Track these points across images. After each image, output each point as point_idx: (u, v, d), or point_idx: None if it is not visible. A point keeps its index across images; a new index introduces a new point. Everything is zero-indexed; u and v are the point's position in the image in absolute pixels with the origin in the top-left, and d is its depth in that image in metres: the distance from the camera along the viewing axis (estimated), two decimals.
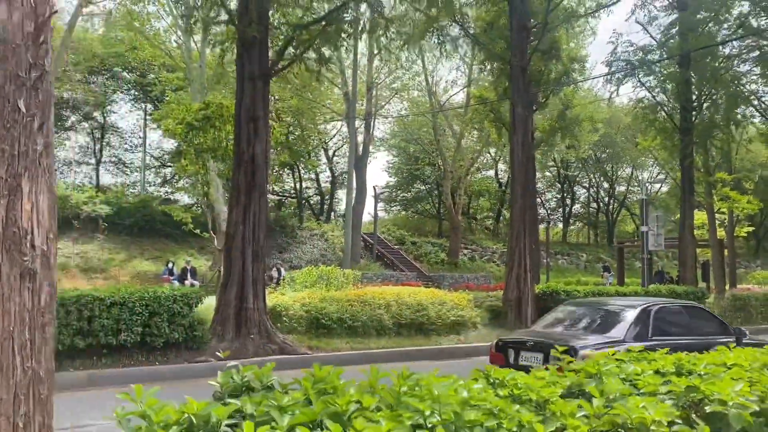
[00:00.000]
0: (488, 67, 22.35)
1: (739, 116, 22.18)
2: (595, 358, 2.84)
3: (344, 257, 29.53)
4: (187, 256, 25.74)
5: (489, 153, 43.00)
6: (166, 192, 34.23)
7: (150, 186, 37.62)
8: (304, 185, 43.59)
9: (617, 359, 3.13)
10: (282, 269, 25.28)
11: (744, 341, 8.22)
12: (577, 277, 35.05)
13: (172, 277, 22.76)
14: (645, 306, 8.34)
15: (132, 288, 11.26)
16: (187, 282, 22.57)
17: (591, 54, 33.31)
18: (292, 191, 41.78)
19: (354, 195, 31.96)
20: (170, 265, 23.35)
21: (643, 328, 7.94)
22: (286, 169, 39.86)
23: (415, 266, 32.55)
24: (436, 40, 17.74)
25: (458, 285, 28.44)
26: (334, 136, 41.67)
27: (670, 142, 21.28)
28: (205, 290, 18.55)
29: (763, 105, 24.02)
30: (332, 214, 43.04)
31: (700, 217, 30.89)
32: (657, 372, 2.99)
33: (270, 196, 42.19)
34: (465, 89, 34.27)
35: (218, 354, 2.35)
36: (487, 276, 32.20)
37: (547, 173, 51.52)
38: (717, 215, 31.10)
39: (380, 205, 48.98)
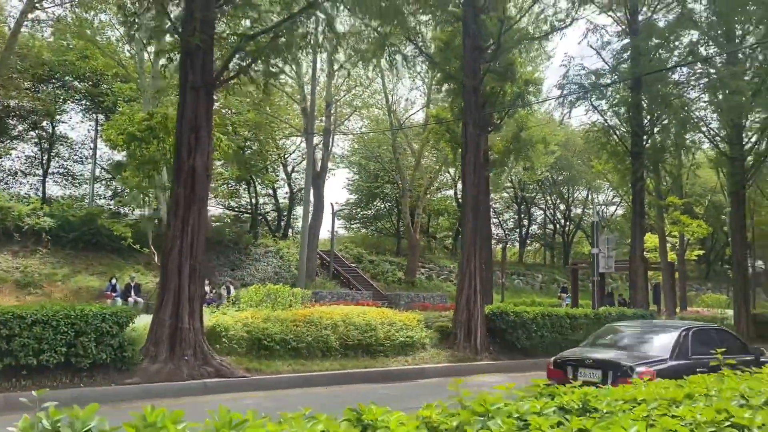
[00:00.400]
0: (444, 87, 22.38)
1: (688, 142, 22.62)
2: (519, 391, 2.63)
3: (299, 275, 29.01)
4: (133, 272, 24.89)
5: (449, 173, 43.17)
6: (116, 206, 33.18)
7: (100, 199, 36.50)
8: (261, 201, 42.95)
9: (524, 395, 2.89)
10: (232, 287, 24.65)
11: (762, 359, 8.95)
12: (532, 297, 35.14)
13: (115, 294, 21.94)
14: (684, 328, 9.36)
15: (57, 305, 10.64)
16: (130, 299, 21.79)
17: (548, 77, 33.90)
18: (249, 206, 41.07)
19: (311, 211, 31.54)
20: (113, 281, 22.52)
21: (684, 348, 8.88)
22: (242, 184, 39.21)
23: (372, 285, 32.19)
24: (392, 59, 17.59)
25: (414, 304, 28.19)
26: (293, 151, 41.27)
27: (622, 165, 21.56)
28: (147, 308, 17.87)
29: (711, 131, 24.59)
30: (290, 230, 42.45)
31: (652, 240, 31.41)
32: (561, 408, 2.73)
33: (226, 211, 41.48)
34: (424, 109, 34.35)
35: (33, 394, 1.93)
36: (443, 295, 32.03)
37: (505, 194, 51.98)
38: (668, 239, 31.67)
39: (340, 222, 48.66)
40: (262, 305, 16.41)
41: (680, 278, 31.43)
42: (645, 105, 21.18)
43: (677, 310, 27.88)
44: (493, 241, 48.95)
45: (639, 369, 8.07)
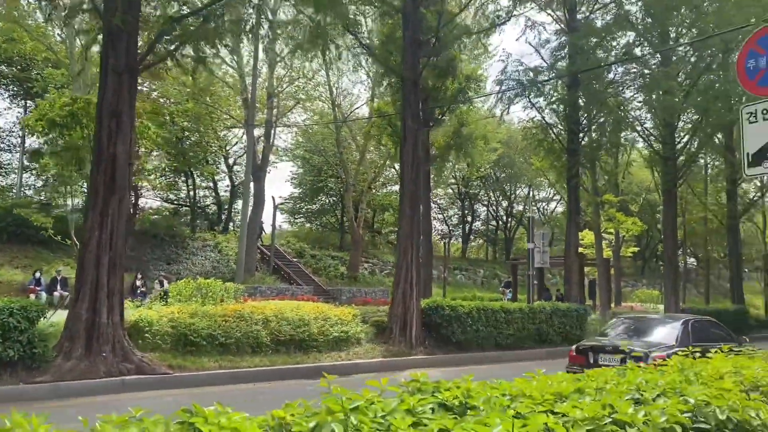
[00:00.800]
0: (386, 81, 22.22)
1: (623, 140, 23.11)
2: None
3: (237, 270, 28.37)
4: (61, 265, 23.77)
5: (394, 168, 43.07)
6: (45, 196, 31.70)
7: (29, 189, 34.81)
8: (201, 194, 41.86)
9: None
10: (165, 281, 23.87)
11: (745, 346, 9.89)
12: (473, 292, 35.45)
13: (39, 288, 20.93)
14: (684, 320, 10.88)
15: None
16: (56, 293, 20.83)
17: (491, 75, 34.14)
18: (188, 199, 39.94)
19: (251, 205, 30.89)
20: (38, 275, 21.47)
21: (686, 336, 10.22)
22: (181, 176, 38.10)
23: (313, 280, 31.79)
24: (330, 50, 17.26)
25: (356, 299, 27.99)
26: (235, 144, 40.31)
27: (559, 162, 21.86)
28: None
29: (645, 131, 25.23)
30: (230, 224, 41.53)
31: (588, 236, 32.09)
32: (441, 405, 2.55)
33: (164, 204, 40.24)
34: (369, 103, 34.11)
35: None
36: (386, 290, 31.86)
37: (450, 190, 52.33)
38: (605, 235, 32.43)
39: (283, 216, 47.94)
40: (192, 300, 15.83)
41: (615, 274, 32.20)
42: (582, 103, 21.52)
43: (612, 305, 28.56)
44: (437, 237, 49.36)
45: (653, 354, 9.27)
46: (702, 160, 32.33)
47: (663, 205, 24.39)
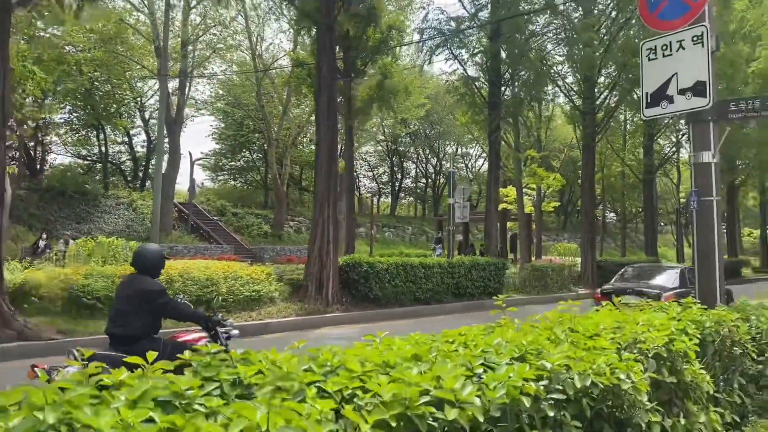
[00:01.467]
0: (305, 28, 21.20)
1: (544, 94, 23.06)
2: None
3: (152, 228, 27.01)
4: None
5: None
6: None
7: None
8: (116, 149, 39.68)
9: None
10: (71, 240, 22.44)
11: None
12: (400, 249, 35.41)
13: None
14: (681, 268, 13.02)
15: None
16: None
17: (417, 25, 33.29)
18: (100, 155, 37.76)
19: (166, 160, 29.38)
20: None
21: (684, 280, 12.17)
22: (93, 131, 35.87)
23: (235, 239, 30.85)
24: None
25: (280, 258, 27.37)
26: (152, 96, 38.17)
27: (481, 116, 21.59)
28: None
29: (567, 86, 25.30)
30: (148, 181, 39.68)
31: (512, 193, 32.41)
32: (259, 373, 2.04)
33: (77, 160, 37.93)
34: (289, 53, 32.80)
35: None
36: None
37: (380, 147, 51.81)
38: (527, 191, 32.86)
39: (206, 174, 46.27)
40: (91, 260, 14.81)
41: (537, 229, 32.77)
42: (504, 56, 21.21)
43: (533, 258, 29.08)
44: (368, 195, 49.09)
45: (665, 294, 11.18)
46: (621, 116, 32.97)
47: (582, 160, 24.68)
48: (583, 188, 24.46)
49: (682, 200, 38.12)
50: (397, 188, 53.39)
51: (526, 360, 2.32)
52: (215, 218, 32.83)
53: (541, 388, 2.06)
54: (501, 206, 32.38)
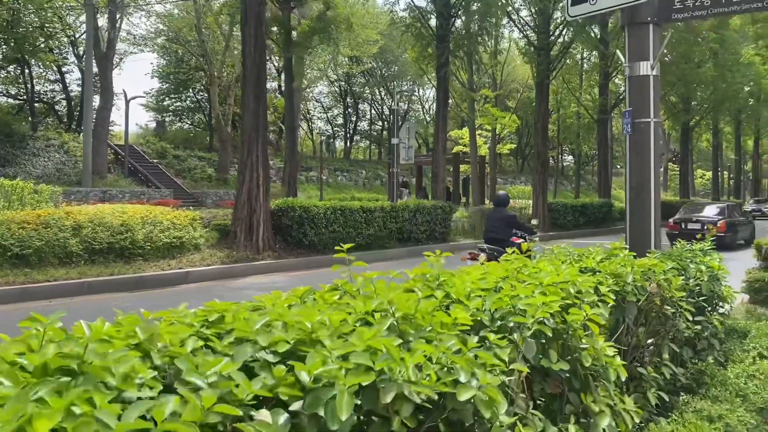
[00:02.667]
0: None
1: (497, 27, 21.85)
2: None
3: (83, 171, 25.34)
4: None
5: (271, 61, 39.92)
6: None
7: None
8: (49, 87, 37.08)
9: None
10: None
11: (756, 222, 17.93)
12: (353, 193, 34.41)
13: None
14: (726, 204, 19.74)
15: None
16: None
17: None
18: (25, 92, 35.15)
19: (98, 99, 27.45)
20: None
21: (730, 212, 18.60)
22: (17, 66, 33.27)
23: (176, 182, 29.32)
24: None
25: (224, 202, 26.11)
26: (84, 31, 35.43)
27: (429, 50, 20.29)
28: None
29: (521, 20, 24.09)
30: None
31: (466, 135, 31.43)
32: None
33: (5, 99, 35.36)
34: None
35: None
36: None
37: (335, 88, 49.99)
38: (483, 132, 31.91)
39: (150, 115, 43.97)
40: None
41: (491, 171, 32.03)
42: None
43: (486, 201, 28.40)
44: (322, 138, 47.39)
45: (719, 223, 16.81)
46: (578, 55, 32.00)
47: (536, 98, 23.71)
48: (536, 128, 23.61)
49: None
50: (351, 131, 51.89)
51: None
52: (155, 161, 31.11)
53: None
54: (455, 149, 31.44)
